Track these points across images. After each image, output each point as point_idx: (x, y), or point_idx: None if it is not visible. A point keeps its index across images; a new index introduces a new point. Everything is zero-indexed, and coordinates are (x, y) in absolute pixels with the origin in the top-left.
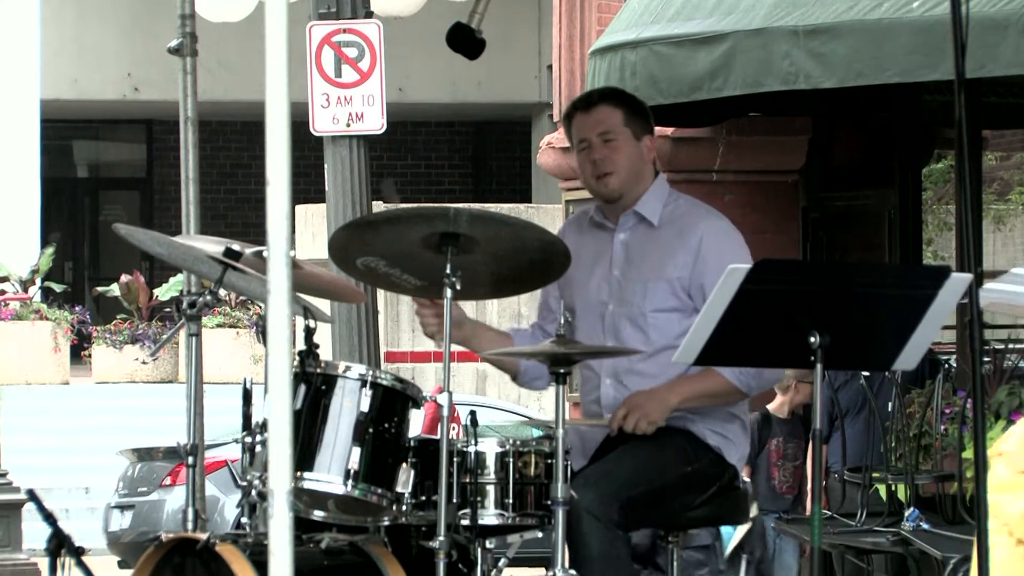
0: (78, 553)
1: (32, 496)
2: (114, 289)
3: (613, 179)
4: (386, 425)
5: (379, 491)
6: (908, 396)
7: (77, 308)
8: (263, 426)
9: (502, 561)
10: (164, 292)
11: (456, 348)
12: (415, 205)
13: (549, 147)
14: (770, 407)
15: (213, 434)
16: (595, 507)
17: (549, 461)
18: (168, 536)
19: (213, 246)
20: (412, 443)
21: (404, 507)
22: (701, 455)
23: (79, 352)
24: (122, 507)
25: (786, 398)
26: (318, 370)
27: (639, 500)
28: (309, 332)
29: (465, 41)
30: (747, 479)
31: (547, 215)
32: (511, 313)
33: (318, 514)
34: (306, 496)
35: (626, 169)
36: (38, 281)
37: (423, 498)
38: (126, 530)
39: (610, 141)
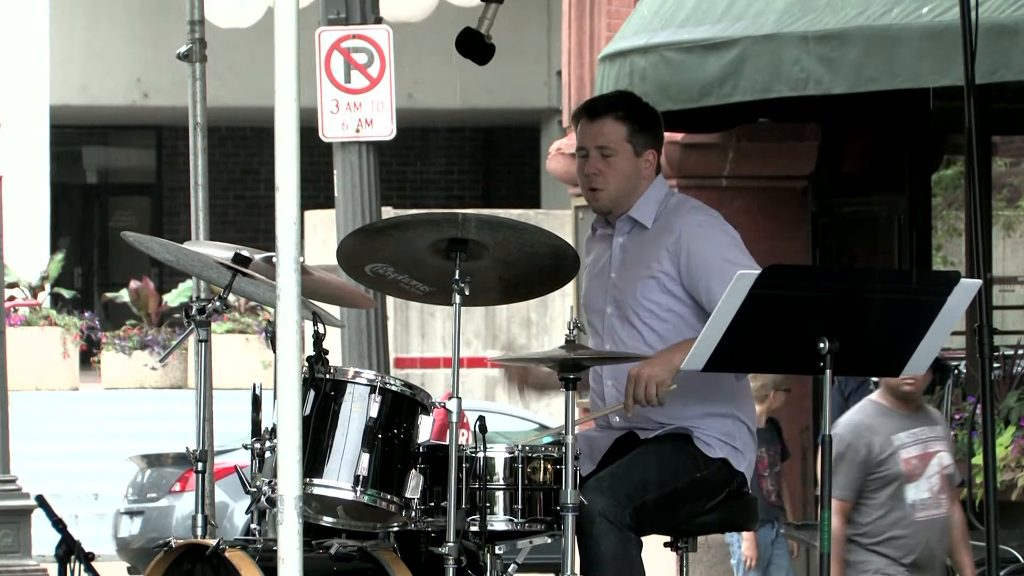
0: (87, 559)
1: (41, 502)
2: (123, 295)
3: (602, 195)
4: (395, 431)
5: (388, 497)
6: None
7: (86, 314)
8: (272, 432)
9: (511, 567)
10: (173, 298)
11: (465, 354)
12: (424, 211)
13: (558, 153)
14: None
15: (222, 440)
16: (608, 510)
17: (558, 467)
18: (178, 542)
19: (223, 252)
20: (421, 449)
21: (413, 513)
22: (710, 462)
23: (88, 358)
24: (132, 513)
25: (764, 407)
26: (327, 376)
27: (651, 505)
28: (318, 338)
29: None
30: None
31: (556, 221)
32: (520, 319)
33: (327, 520)
34: (315, 502)
35: (616, 187)
36: (47, 287)
37: (432, 504)
38: (135, 536)
39: (608, 156)
